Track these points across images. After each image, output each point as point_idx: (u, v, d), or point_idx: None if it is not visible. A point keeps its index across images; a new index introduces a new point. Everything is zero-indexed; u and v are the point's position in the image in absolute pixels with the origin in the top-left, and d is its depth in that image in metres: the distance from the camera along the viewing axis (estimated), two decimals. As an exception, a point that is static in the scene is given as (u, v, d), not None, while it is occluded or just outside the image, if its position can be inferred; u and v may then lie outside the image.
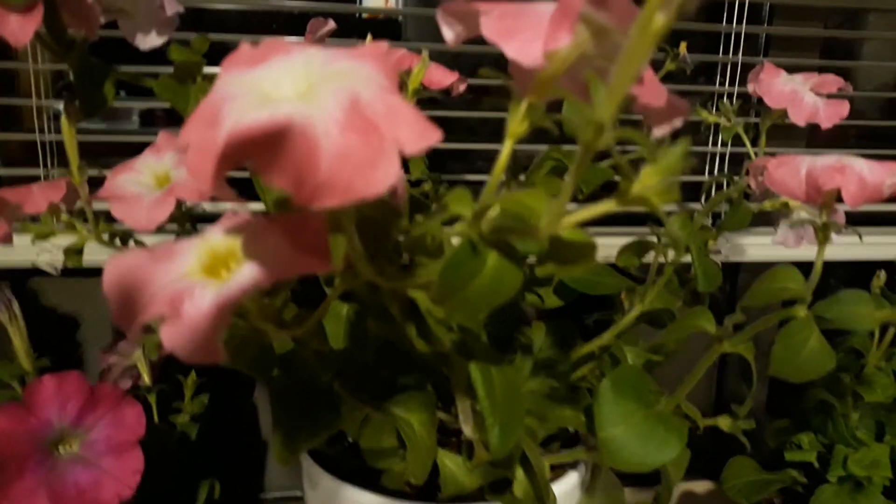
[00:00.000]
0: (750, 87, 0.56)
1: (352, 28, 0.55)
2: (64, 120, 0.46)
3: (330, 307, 0.31)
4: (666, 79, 0.58)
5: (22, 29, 0.37)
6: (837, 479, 0.67)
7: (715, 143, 0.89)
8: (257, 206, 0.47)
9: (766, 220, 0.65)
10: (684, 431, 0.43)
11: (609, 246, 0.54)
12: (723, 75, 0.88)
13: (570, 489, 0.50)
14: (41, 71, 0.75)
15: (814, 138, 0.92)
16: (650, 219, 0.57)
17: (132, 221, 0.45)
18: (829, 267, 0.43)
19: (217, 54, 0.46)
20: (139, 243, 0.49)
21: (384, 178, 0.20)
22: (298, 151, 0.19)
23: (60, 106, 0.83)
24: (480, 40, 0.25)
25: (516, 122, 0.24)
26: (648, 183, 0.21)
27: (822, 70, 0.56)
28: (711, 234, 0.58)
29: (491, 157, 0.25)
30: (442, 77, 0.54)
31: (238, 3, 0.81)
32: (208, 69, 0.73)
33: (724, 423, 0.45)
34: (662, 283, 0.52)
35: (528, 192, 0.23)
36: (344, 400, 0.42)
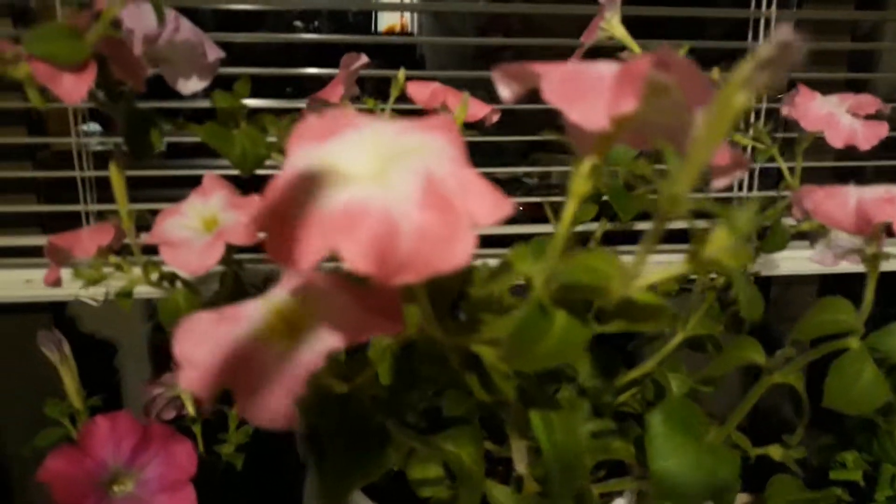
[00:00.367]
0: (784, 111, 0.56)
1: (366, 48, 0.56)
2: (113, 166, 0.47)
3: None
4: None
5: (76, 87, 0.38)
6: (886, 499, 0.66)
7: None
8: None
9: (799, 233, 0.65)
10: (737, 462, 0.43)
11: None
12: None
13: (618, 518, 0.50)
14: (79, 109, 0.76)
15: (843, 151, 0.91)
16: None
17: (183, 266, 0.45)
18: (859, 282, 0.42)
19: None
20: (187, 285, 0.50)
21: (461, 253, 0.20)
22: (379, 234, 0.19)
23: (94, 140, 0.84)
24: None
25: (581, 182, 0.24)
26: (721, 244, 0.21)
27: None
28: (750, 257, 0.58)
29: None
30: (477, 110, 0.54)
31: (256, 37, 0.82)
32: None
33: (775, 452, 0.45)
34: (705, 308, 0.52)
35: (598, 255, 0.23)
36: (392, 435, 0.43)
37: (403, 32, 1.72)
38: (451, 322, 0.27)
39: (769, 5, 0.83)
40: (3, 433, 0.88)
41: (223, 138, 0.45)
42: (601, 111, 0.23)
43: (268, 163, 0.50)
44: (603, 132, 0.24)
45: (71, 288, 0.56)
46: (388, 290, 0.24)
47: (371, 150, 0.22)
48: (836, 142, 0.52)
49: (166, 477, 0.51)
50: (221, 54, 0.48)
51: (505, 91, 0.27)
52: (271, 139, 0.48)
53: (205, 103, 0.80)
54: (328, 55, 0.82)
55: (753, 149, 0.62)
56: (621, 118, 0.23)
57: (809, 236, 0.62)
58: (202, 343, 0.27)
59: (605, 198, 0.56)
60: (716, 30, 0.68)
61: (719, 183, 0.26)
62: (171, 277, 0.51)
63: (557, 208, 0.61)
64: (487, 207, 0.21)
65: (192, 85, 0.49)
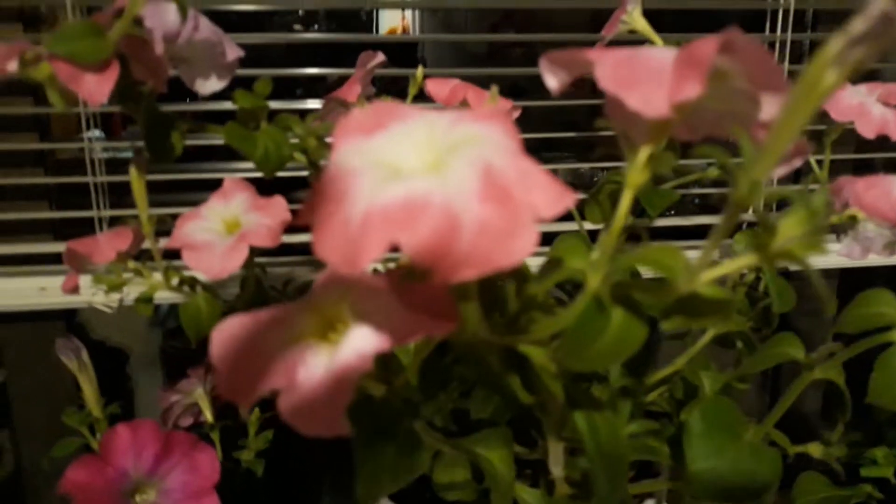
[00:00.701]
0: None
1: (368, 48, 0.55)
2: (133, 170, 0.46)
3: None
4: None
5: (99, 87, 0.37)
6: (918, 495, 0.65)
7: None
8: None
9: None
10: (778, 461, 0.42)
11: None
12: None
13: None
14: (91, 113, 0.75)
15: (864, 142, 0.91)
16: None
17: (205, 269, 0.44)
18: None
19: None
20: (208, 289, 0.49)
21: (524, 246, 0.19)
22: (440, 227, 0.18)
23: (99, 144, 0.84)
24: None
25: (637, 172, 0.23)
26: (792, 234, 0.20)
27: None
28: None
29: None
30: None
31: (258, 38, 0.81)
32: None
33: (815, 450, 0.44)
34: (736, 304, 0.51)
35: (662, 249, 0.22)
36: (422, 438, 0.42)
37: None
38: (500, 320, 0.26)
39: (784, 29, 0.82)
40: (18, 443, 0.87)
41: (245, 139, 0.44)
42: (662, 97, 0.22)
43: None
44: (661, 119, 0.23)
45: (84, 294, 0.55)
46: (437, 288, 0.23)
47: (423, 142, 0.21)
48: (868, 132, 0.50)
49: (189, 485, 0.50)
50: (241, 53, 0.47)
51: (552, 80, 0.26)
52: (293, 140, 0.47)
53: (208, 105, 0.79)
54: (329, 57, 0.82)
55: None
56: (683, 104, 0.22)
57: (836, 229, 0.61)
58: (240, 347, 0.26)
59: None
60: (733, 22, 0.67)
61: (780, 170, 0.25)
62: (192, 282, 0.50)
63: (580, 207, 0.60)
64: (549, 199, 0.20)
65: (210, 85, 0.48)
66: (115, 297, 0.50)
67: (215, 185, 0.49)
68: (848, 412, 0.41)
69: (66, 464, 0.49)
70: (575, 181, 1.10)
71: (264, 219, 0.46)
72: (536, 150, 1.05)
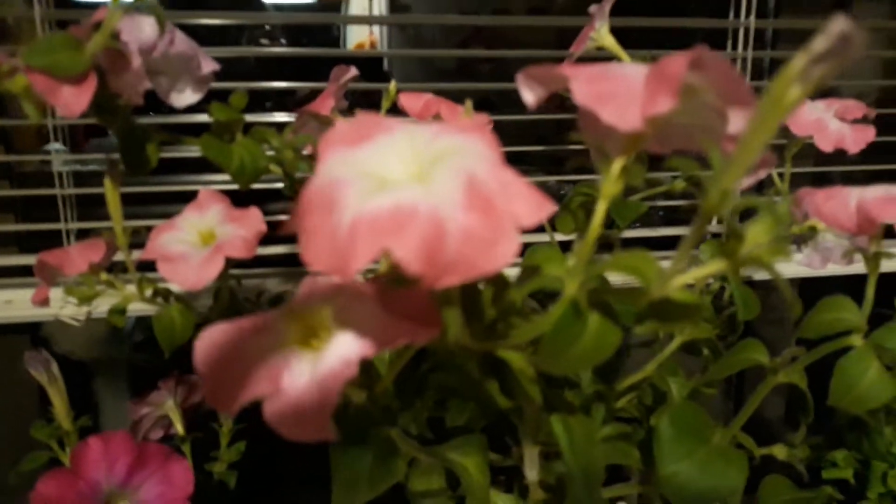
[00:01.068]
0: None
1: (336, 63, 0.56)
2: (107, 182, 0.46)
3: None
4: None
5: (76, 100, 0.37)
6: (878, 496, 0.67)
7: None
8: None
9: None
10: (745, 464, 0.43)
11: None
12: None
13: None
14: (58, 126, 0.75)
15: (822, 156, 0.94)
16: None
17: (181, 281, 0.45)
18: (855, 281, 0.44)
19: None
20: (181, 300, 0.49)
21: (505, 254, 0.20)
22: (428, 235, 0.19)
23: (67, 157, 0.83)
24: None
25: (611, 183, 0.24)
26: (759, 241, 0.21)
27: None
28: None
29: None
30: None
31: (226, 52, 0.82)
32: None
33: (780, 452, 0.45)
34: (704, 309, 0.53)
35: (636, 256, 0.23)
36: (399, 446, 0.42)
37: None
38: (479, 327, 0.27)
39: (748, 15, 0.85)
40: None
41: (221, 151, 0.45)
42: (635, 111, 0.23)
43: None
44: (634, 133, 0.24)
45: (53, 307, 0.55)
46: (420, 294, 0.24)
47: (408, 153, 0.22)
48: (826, 146, 0.53)
49: (164, 497, 0.50)
50: (216, 66, 0.47)
51: (529, 95, 0.27)
52: (269, 152, 0.47)
53: (179, 118, 0.79)
54: (298, 71, 0.82)
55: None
56: (655, 118, 0.23)
57: (797, 240, 0.64)
58: (223, 355, 0.27)
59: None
60: (696, 39, 0.69)
61: (746, 181, 0.26)
62: (166, 293, 0.50)
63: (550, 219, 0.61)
64: (530, 208, 0.21)
65: (185, 97, 0.48)
66: (84, 309, 0.50)
67: (186, 197, 0.49)
68: (810, 414, 0.42)
69: (34, 479, 0.49)
70: (543, 194, 1.11)
71: (240, 230, 0.46)
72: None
